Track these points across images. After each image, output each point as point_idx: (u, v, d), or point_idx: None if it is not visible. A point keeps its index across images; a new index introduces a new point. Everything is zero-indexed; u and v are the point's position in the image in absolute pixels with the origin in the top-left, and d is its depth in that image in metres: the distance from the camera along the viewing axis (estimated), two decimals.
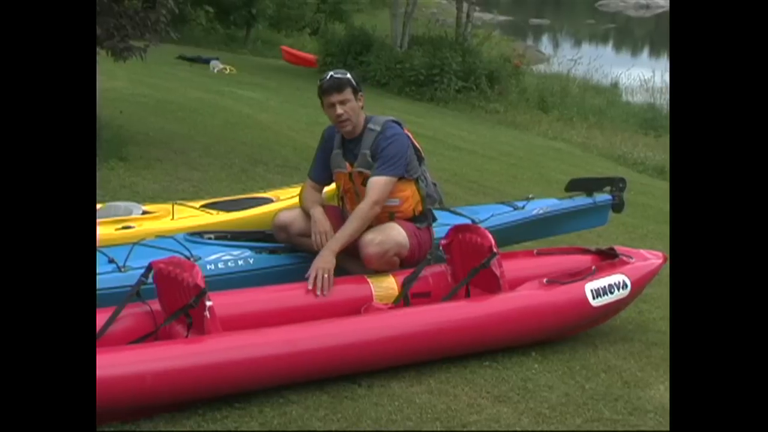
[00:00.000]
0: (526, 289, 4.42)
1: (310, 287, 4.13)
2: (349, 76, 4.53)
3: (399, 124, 4.60)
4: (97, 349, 3.53)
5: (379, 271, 4.40)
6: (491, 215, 5.44)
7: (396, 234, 4.41)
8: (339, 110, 4.43)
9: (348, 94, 4.45)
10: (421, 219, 4.62)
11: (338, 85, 4.44)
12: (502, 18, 42.37)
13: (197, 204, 5.36)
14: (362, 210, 4.37)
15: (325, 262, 4.19)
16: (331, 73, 4.55)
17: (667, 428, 3.61)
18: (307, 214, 4.57)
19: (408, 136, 4.58)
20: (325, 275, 4.14)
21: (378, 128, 4.49)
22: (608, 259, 4.85)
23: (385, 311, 4.19)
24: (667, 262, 5.02)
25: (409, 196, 4.55)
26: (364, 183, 4.48)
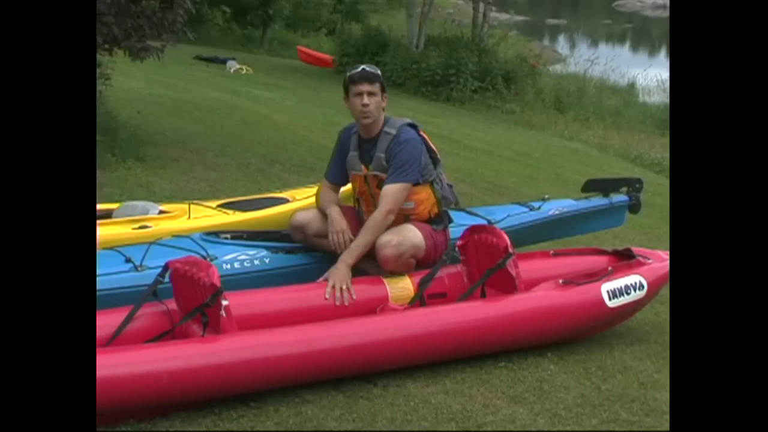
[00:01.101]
0: (541, 290, 4.41)
1: (327, 297, 4.14)
2: (379, 72, 4.58)
3: (415, 127, 4.59)
4: (114, 348, 3.57)
5: (395, 272, 4.40)
6: (507, 216, 5.43)
7: (412, 236, 4.41)
8: (366, 100, 4.44)
9: (376, 88, 4.48)
10: (437, 221, 4.62)
11: (370, 77, 4.49)
12: (518, 18, 42.27)
13: (213, 204, 5.37)
14: (376, 219, 4.38)
15: (341, 276, 4.21)
16: (363, 66, 4.60)
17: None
18: (323, 215, 4.58)
19: (423, 140, 4.58)
20: (343, 287, 4.16)
21: (393, 132, 4.50)
22: (625, 259, 4.84)
23: (400, 312, 4.19)
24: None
25: (424, 199, 4.55)
26: (379, 186, 4.48)
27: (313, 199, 5.10)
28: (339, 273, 4.21)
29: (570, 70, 25.09)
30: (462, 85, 18.76)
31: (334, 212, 4.52)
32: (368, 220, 4.44)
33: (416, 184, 4.48)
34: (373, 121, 4.51)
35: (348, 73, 4.58)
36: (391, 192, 4.42)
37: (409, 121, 4.62)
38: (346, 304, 4.13)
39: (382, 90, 4.52)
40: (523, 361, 4.19)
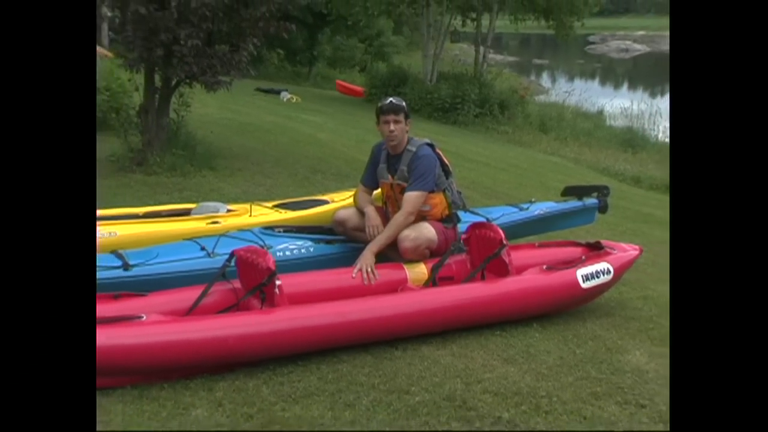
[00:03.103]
0: (529, 274, 4.38)
1: (354, 276, 4.14)
2: (404, 103, 4.55)
3: (432, 146, 4.58)
4: (192, 317, 3.58)
5: (413, 260, 4.39)
6: (502, 215, 5.43)
7: (427, 232, 4.41)
8: (392, 127, 4.45)
9: (401, 117, 4.47)
10: (448, 220, 4.62)
11: (396, 110, 4.47)
12: (511, 58, 42.19)
13: (270, 204, 5.38)
14: (399, 219, 4.39)
15: (368, 260, 4.23)
16: (391, 99, 4.58)
17: (643, 386, 3.62)
18: (360, 212, 4.59)
19: (438, 156, 4.56)
20: (369, 269, 4.18)
21: (414, 149, 4.49)
22: (595, 250, 4.81)
23: (417, 291, 4.19)
24: (643, 252, 5.02)
25: (438, 203, 4.54)
26: (401, 192, 4.49)
27: (348, 201, 5.11)
28: (365, 258, 4.23)
29: (551, 100, 24.98)
30: (466, 111, 18.76)
31: (371, 211, 4.53)
32: (392, 219, 4.45)
33: (432, 191, 4.48)
34: (398, 142, 4.51)
35: (379, 104, 4.57)
36: (411, 198, 4.42)
37: (428, 141, 4.60)
38: (373, 283, 4.13)
39: (406, 117, 4.50)
40: (514, 330, 4.17)
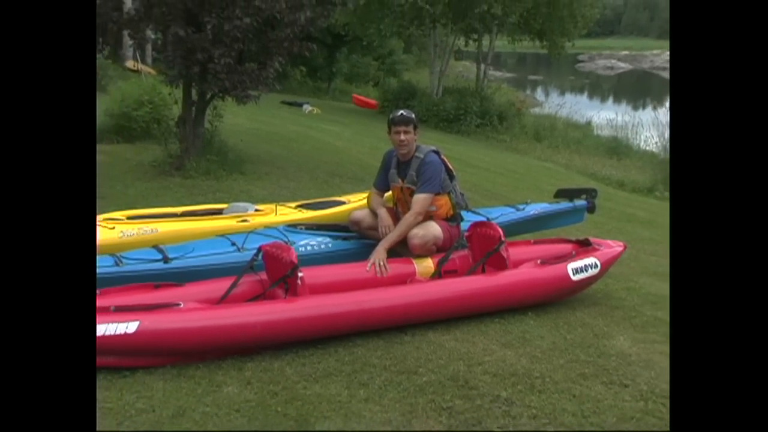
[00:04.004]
0: (525, 268, 4.36)
1: (368, 269, 4.13)
2: (413, 115, 4.53)
3: (438, 153, 4.56)
4: (224, 305, 3.59)
5: (421, 255, 4.38)
6: (500, 215, 5.40)
7: (434, 230, 4.40)
8: (402, 137, 4.43)
9: (410, 128, 4.45)
10: (452, 219, 4.60)
11: (406, 121, 4.45)
12: (508, 74, 42.02)
13: (293, 204, 5.37)
14: (408, 218, 4.38)
15: (380, 255, 4.21)
16: (402, 111, 4.55)
17: (626, 368, 3.59)
18: (374, 213, 4.58)
19: (443, 162, 4.55)
20: (381, 263, 4.16)
21: (422, 156, 4.47)
22: (584, 246, 4.77)
23: (424, 283, 4.18)
24: (627, 249, 4.98)
25: (443, 204, 4.53)
26: (411, 194, 4.48)
27: (362, 202, 5.09)
28: (378, 253, 4.22)
29: (545, 112, 24.85)
30: (468, 122, 18.70)
31: (383, 212, 4.52)
32: (403, 219, 4.44)
33: (438, 193, 4.47)
34: (408, 150, 4.49)
35: (391, 116, 4.55)
36: (420, 199, 4.41)
37: (434, 148, 4.59)
38: (385, 275, 4.12)
39: (415, 128, 4.49)
40: (511, 318, 4.15)
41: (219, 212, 5.05)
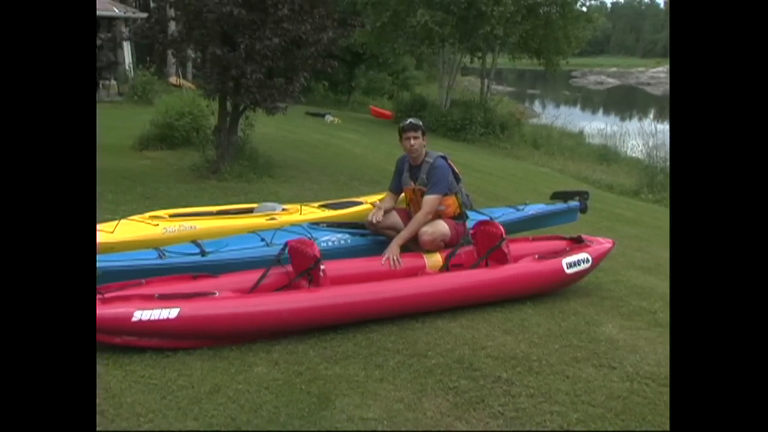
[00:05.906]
0: (524, 262, 4.33)
1: (383, 263, 4.12)
2: (421, 123, 4.52)
3: (445, 158, 4.54)
4: (254, 294, 3.59)
5: (431, 250, 4.36)
6: (502, 214, 5.36)
7: (442, 227, 4.37)
8: (412, 142, 4.41)
9: (419, 134, 4.43)
10: (459, 218, 4.57)
11: (415, 127, 4.43)
12: (509, 89, 41.72)
13: (316, 204, 5.38)
14: (419, 217, 4.36)
15: (393, 251, 4.19)
16: (410, 120, 4.54)
17: (614, 352, 3.56)
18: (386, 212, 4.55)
19: (450, 166, 4.52)
20: (395, 258, 4.15)
21: (431, 161, 4.45)
22: (577, 243, 4.74)
23: (433, 275, 4.15)
24: (615, 245, 4.94)
25: (450, 204, 4.50)
26: (422, 195, 4.45)
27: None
28: (392, 249, 4.20)
29: (542, 122, 24.71)
30: (473, 131, 18.61)
31: (380, 205, 4.53)
32: (414, 217, 4.41)
33: (446, 194, 4.45)
34: (418, 155, 4.47)
35: (401, 124, 4.54)
36: (430, 200, 4.38)
37: (442, 154, 4.57)
38: (398, 268, 4.11)
39: (423, 133, 4.47)
40: (512, 307, 4.12)
41: (250, 211, 5.06)
